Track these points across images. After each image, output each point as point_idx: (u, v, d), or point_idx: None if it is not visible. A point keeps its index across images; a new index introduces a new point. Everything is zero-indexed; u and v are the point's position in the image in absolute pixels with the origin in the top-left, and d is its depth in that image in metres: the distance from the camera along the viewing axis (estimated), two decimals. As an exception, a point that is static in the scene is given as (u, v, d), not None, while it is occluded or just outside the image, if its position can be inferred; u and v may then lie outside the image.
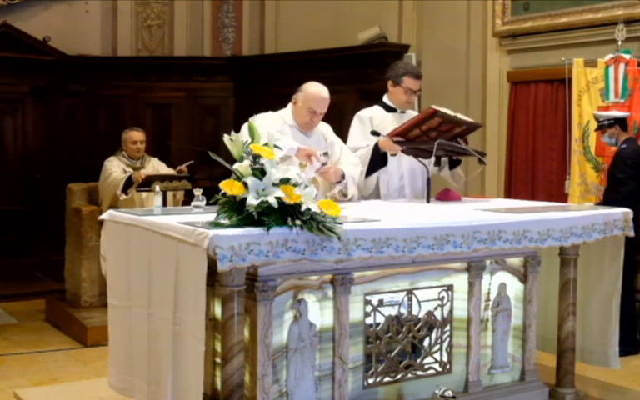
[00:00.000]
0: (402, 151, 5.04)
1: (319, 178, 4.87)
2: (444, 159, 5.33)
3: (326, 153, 4.93)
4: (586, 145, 6.59)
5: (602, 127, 6.11)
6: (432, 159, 5.18)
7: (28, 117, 9.31)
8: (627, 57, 6.35)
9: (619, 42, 6.45)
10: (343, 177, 4.92)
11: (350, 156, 5.12)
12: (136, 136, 7.02)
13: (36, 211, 9.08)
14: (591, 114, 6.51)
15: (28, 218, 9.06)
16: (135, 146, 6.98)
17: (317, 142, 4.98)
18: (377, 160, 5.16)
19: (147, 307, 3.89)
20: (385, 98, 5.43)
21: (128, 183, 6.67)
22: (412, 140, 4.99)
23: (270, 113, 4.94)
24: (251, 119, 4.10)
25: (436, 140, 4.92)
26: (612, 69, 6.36)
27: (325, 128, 5.12)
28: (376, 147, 5.13)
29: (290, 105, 4.97)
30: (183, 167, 6.91)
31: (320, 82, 4.91)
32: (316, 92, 4.85)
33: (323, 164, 4.82)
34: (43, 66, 9.15)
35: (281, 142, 4.27)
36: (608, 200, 5.68)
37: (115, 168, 6.81)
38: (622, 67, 6.32)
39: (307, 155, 4.69)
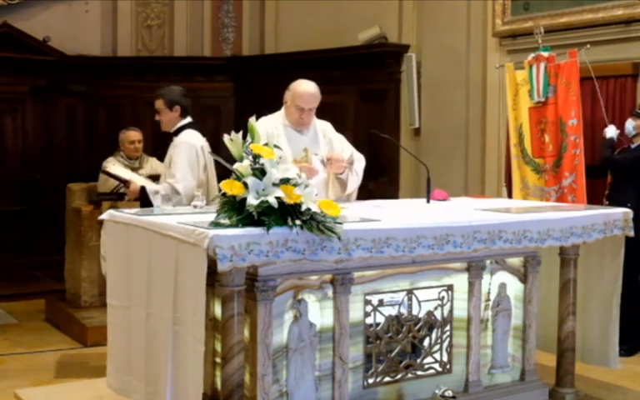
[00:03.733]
0: None
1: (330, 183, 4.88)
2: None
3: (323, 162, 4.92)
4: (523, 148, 6.50)
5: (637, 114, 6.02)
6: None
7: (28, 117, 9.31)
8: (546, 54, 6.31)
9: (539, 41, 6.39)
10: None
11: (352, 152, 5.12)
12: (133, 136, 7.00)
13: (36, 211, 9.07)
14: (523, 117, 6.45)
15: (28, 218, 9.05)
16: (132, 146, 6.96)
17: (313, 140, 4.97)
18: None
19: (147, 307, 3.89)
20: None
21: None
22: None
23: (265, 117, 4.93)
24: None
25: None
26: (534, 69, 6.33)
27: (324, 125, 5.09)
28: None
29: (283, 106, 4.97)
30: None
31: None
32: (301, 89, 4.84)
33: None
34: (43, 66, 9.14)
35: None
36: None
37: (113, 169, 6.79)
38: (542, 65, 6.28)
39: (307, 170, 4.65)
